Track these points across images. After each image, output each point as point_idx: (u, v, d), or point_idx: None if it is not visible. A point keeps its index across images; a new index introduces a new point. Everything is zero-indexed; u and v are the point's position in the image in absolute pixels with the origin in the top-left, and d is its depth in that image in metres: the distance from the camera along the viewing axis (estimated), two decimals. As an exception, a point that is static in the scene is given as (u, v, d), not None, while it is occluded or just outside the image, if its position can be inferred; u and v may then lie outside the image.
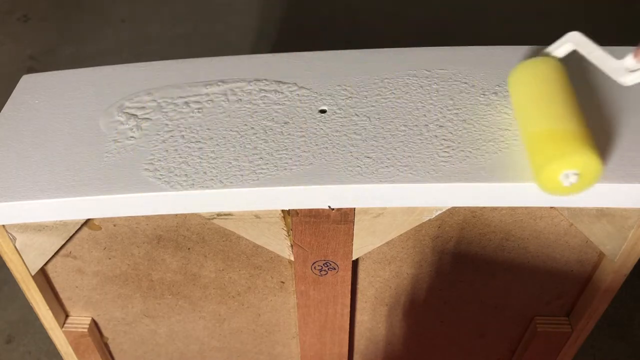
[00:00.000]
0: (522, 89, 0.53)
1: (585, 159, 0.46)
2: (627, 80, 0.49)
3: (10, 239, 0.57)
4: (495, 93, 0.58)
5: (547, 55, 0.54)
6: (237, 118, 0.57)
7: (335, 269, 0.61)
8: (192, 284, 0.66)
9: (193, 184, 0.52)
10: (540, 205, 0.54)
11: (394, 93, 0.59)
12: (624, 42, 0.60)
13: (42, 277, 0.64)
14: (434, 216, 0.55)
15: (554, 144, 0.47)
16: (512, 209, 0.56)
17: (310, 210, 0.54)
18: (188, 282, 0.66)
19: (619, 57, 0.50)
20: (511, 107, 0.56)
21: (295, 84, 0.60)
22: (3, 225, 0.56)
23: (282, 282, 0.65)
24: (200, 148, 0.55)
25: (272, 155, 0.53)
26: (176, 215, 0.57)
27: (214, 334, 0.73)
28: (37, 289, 0.62)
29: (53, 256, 0.61)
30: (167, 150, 0.55)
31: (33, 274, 0.61)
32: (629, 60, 0.48)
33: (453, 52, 0.63)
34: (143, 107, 0.59)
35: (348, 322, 0.68)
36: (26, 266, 0.60)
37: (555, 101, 0.50)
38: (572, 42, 0.53)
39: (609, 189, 0.50)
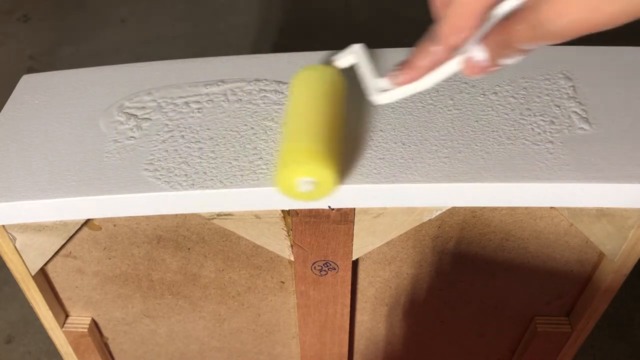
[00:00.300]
0: (293, 94, 0.54)
1: (319, 169, 0.47)
2: (377, 99, 0.48)
3: (10, 239, 0.57)
4: (496, 93, 0.58)
5: (331, 63, 0.54)
6: (237, 118, 0.57)
7: (335, 269, 0.61)
8: (192, 284, 0.66)
9: (193, 184, 0.52)
10: (540, 205, 0.54)
11: (394, 93, 0.59)
12: (624, 42, 0.60)
13: (42, 277, 0.64)
14: (434, 216, 0.55)
15: (293, 151, 0.48)
16: (512, 209, 0.56)
17: (310, 210, 0.55)
18: (188, 282, 0.66)
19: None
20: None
21: (295, 84, 0.60)
22: (3, 225, 0.56)
23: (282, 282, 0.65)
24: (200, 148, 0.55)
25: (272, 155, 0.53)
26: (176, 215, 0.57)
27: (214, 334, 0.73)
28: (37, 289, 0.62)
29: (53, 256, 0.61)
30: (167, 150, 0.55)
31: (33, 274, 0.61)
32: (383, 81, 0.48)
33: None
34: (143, 107, 0.59)
35: (348, 322, 0.68)
36: (26, 266, 0.60)
37: (311, 110, 0.50)
38: (354, 53, 0.52)
39: (609, 189, 0.50)
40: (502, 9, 0.38)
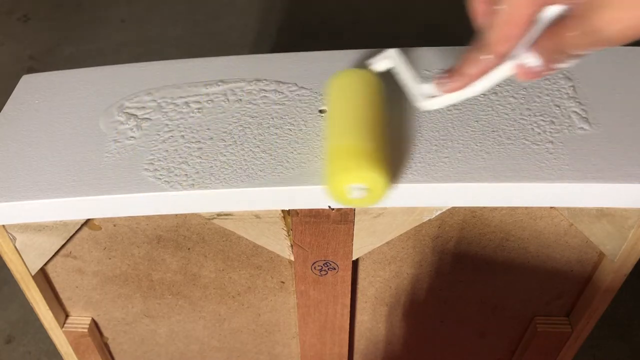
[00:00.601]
0: (333, 99, 0.54)
1: (371, 175, 0.46)
2: (425, 105, 0.48)
3: (10, 239, 0.57)
4: (496, 93, 0.58)
5: (367, 67, 0.54)
6: (237, 118, 0.57)
7: (335, 269, 0.61)
8: (192, 284, 0.66)
9: (193, 184, 0.52)
10: (540, 205, 0.54)
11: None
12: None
13: (42, 277, 0.64)
14: (434, 216, 0.55)
15: (343, 158, 0.48)
16: (512, 209, 0.56)
17: (310, 210, 0.55)
18: (188, 282, 0.66)
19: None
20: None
21: (295, 84, 0.60)
22: (3, 225, 0.56)
23: (282, 282, 0.65)
24: (200, 148, 0.55)
25: (272, 155, 0.53)
26: (176, 215, 0.57)
27: (214, 334, 0.73)
28: (37, 289, 0.62)
29: (53, 256, 0.61)
30: (167, 150, 0.55)
31: (33, 274, 0.61)
32: (427, 87, 0.48)
33: (453, 52, 0.63)
34: (143, 107, 0.59)
35: (348, 322, 0.68)
36: (26, 266, 0.60)
37: (360, 116, 0.50)
38: (389, 58, 0.52)
39: (609, 189, 0.50)
40: (548, 14, 0.38)
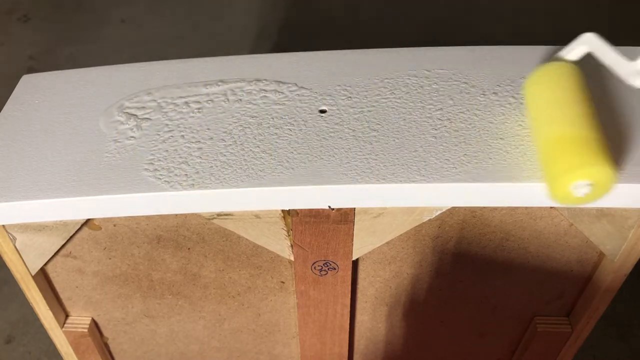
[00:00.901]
0: (538, 97, 0.53)
1: (597, 170, 0.45)
2: None
3: (10, 239, 0.57)
4: (495, 93, 0.58)
5: (562, 59, 0.53)
6: (237, 118, 0.57)
7: (335, 269, 0.61)
8: (192, 284, 0.66)
9: (193, 184, 0.52)
10: (540, 205, 0.54)
11: (394, 93, 0.59)
12: (623, 42, 0.60)
13: (42, 277, 0.64)
14: (434, 216, 0.55)
15: (566, 155, 0.47)
16: (512, 209, 0.56)
17: (310, 210, 0.55)
18: (188, 282, 0.66)
19: (632, 57, 0.49)
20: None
21: (295, 84, 0.60)
22: (3, 225, 0.56)
23: (282, 282, 0.65)
24: (200, 148, 0.55)
25: (272, 155, 0.53)
26: (176, 215, 0.57)
27: (214, 334, 0.73)
28: (37, 289, 0.62)
29: (53, 256, 0.61)
30: (167, 150, 0.55)
31: (33, 274, 0.61)
32: None
33: (453, 52, 0.63)
34: (143, 107, 0.59)
35: (348, 322, 0.68)
36: (26, 266, 0.60)
37: (571, 110, 0.49)
38: (586, 44, 0.52)
39: (609, 189, 0.50)
40: None
